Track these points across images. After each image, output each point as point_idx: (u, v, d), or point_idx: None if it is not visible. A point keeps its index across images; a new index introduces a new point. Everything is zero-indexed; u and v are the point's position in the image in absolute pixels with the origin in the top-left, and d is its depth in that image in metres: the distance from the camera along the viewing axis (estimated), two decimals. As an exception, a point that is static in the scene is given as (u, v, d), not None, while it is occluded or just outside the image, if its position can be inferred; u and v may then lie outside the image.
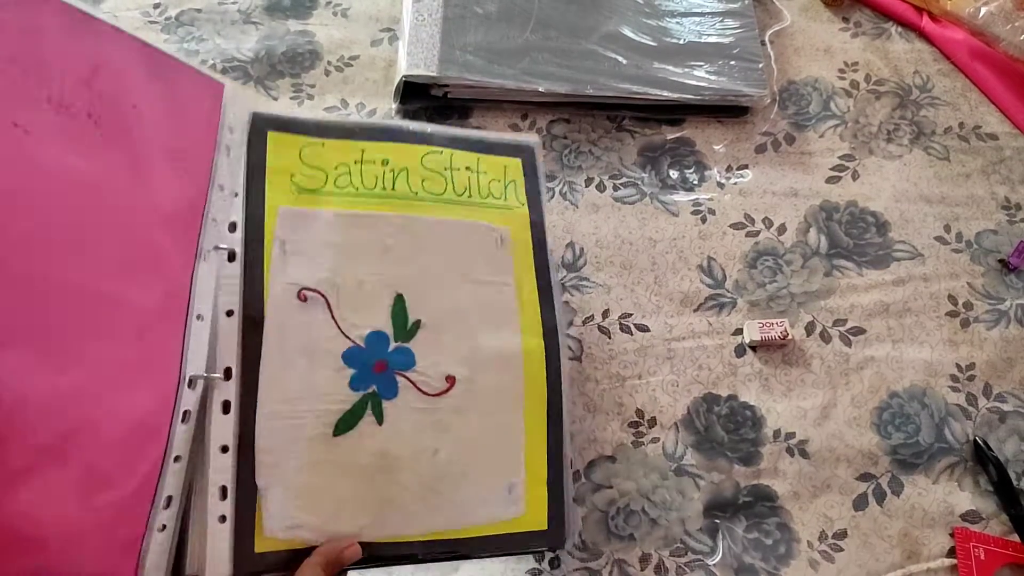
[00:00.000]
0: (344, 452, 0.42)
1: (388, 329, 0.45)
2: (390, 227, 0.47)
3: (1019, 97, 0.70)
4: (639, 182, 0.65)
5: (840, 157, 0.67)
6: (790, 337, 0.56)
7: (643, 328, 0.58)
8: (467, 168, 0.51)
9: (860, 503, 0.52)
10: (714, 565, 0.49)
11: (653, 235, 0.62)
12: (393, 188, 0.48)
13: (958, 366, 0.57)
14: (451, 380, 0.45)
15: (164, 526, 0.38)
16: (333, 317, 0.44)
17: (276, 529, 0.40)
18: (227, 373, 0.41)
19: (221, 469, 0.40)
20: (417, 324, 0.45)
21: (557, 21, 0.70)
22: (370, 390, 0.43)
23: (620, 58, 0.68)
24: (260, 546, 0.40)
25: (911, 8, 0.76)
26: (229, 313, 0.42)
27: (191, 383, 0.39)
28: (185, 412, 0.39)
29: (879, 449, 0.53)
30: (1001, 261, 0.61)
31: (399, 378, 0.44)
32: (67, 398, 0.34)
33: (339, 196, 0.47)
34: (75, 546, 0.34)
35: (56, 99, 0.35)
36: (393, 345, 0.45)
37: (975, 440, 0.53)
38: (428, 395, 0.44)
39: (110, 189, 0.37)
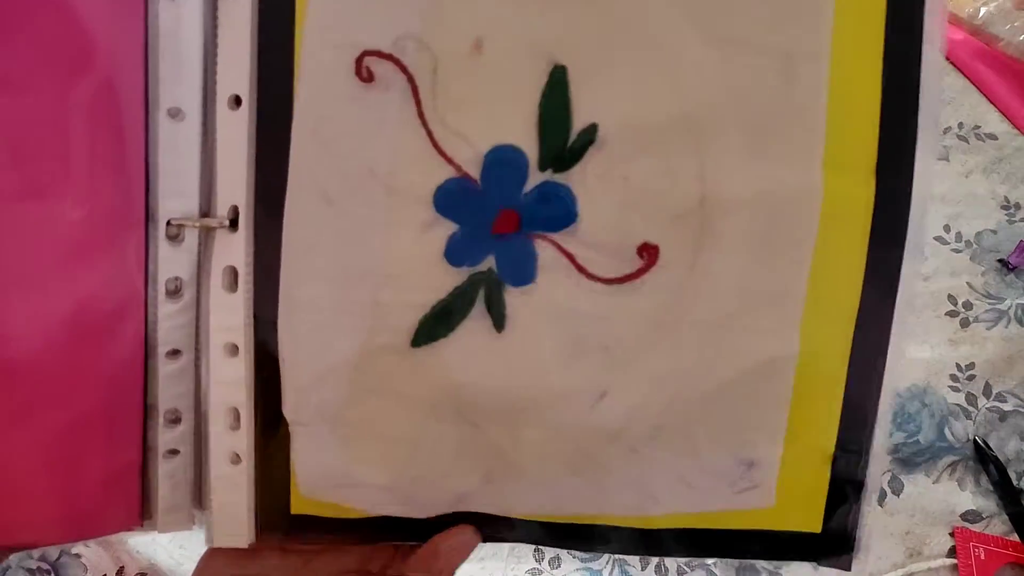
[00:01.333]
0: (431, 376, 0.26)
1: (530, 143, 0.24)
2: None
3: (1019, 97, 0.70)
4: (639, 181, 0.65)
5: (840, 156, 0.67)
6: (791, 336, 0.56)
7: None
8: None
9: (861, 503, 0.52)
10: (715, 565, 0.49)
11: (653, 234, 0.62)
12: None
13: (958, 365, 0.57)
14: (650, 253, 0.24)
15: (174, 450, 0.27)
16: (421, 115, 0.24)
17: (319, 487, 0.27)
18: (233, 220, 0.25)
19: (228, 383, 0.26)
20: (590, 134, 0.24)
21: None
22: (484, 267, 0.25)
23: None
24: (297, 506, 0.27)
25: (911, 8, 0.76)
26: (236, 103, 0.24)
27: (173, 234, 0.25)
28: (172, 280, 0.25)
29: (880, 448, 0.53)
30: (1001, 260, 0.61)
31: (542, 246, 0.25)
32: None
33: None
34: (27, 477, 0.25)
35: None
36: (535, 179, 0.24)
37: (975, 440, 0.53)
38: (598, 280, 0.25)
39: None
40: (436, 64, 0.24)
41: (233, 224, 0.25)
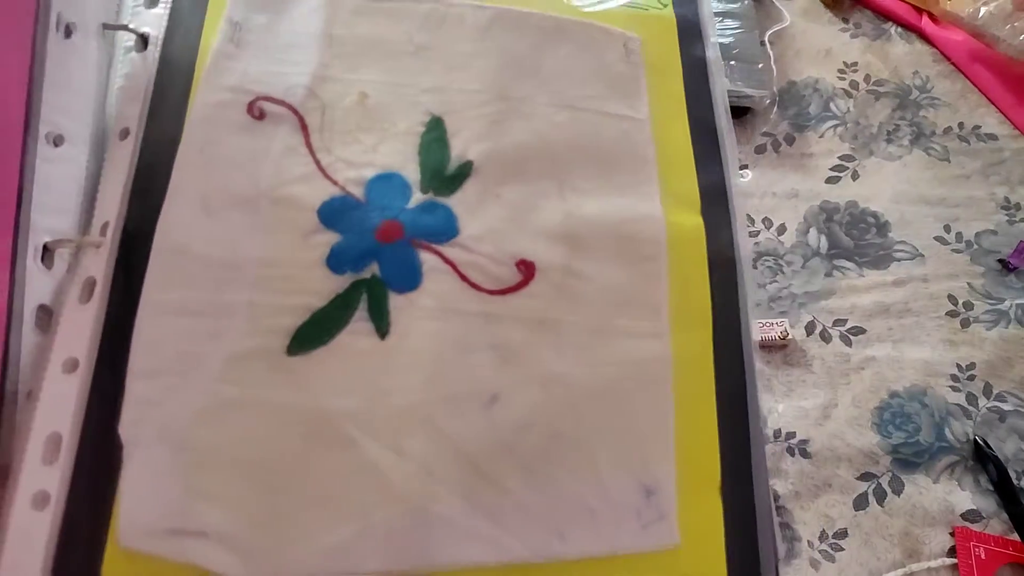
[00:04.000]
0: (304, 386, 0.23)
1: (410, 171, 0.26)
2: (424, 14, 0.28)
3: (1019, 98, 0.70)
4: (640, 183, 0.65)
5: (840, 158, 0.67)
6: (790, 337, 0.56)
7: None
8: None
9: (861, 502, 0.52)
10: None
11: (654, 235, 0.62)
12: None
13: (958, 366, 0.57)
14: (527, 267, 0.26)
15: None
16: (308, 145, 0.26)
17: (144, 532, 0.21)
18: (102, 231, 0.24)
19: (57, 403, 0.21)
20: (466, 167, 0.26)
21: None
22: (367, 273, 0.25)
23: (621, 59, 0.68)
24: (109, 567, 0.21)
25: (911, 9, 0.76)
26: (124, 134, 0.25)
27: (45, 257, 0.23)
28: (40, 309, 0.23)
29: (879, 449, 0.54)
30: (1001, 261, 0.62)
31: (425, 255, 0.25)
32: None
33: None
34: None
35: None
36: (418, 198, 0.26)
37: (975, 439, 0.54)
38: (481, 290, 0.25)
39: None
40: (324, 108, 0.27)
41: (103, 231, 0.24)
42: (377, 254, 0.25)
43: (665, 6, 0.33)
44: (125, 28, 0.27)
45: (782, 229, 0.63)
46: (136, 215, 0.25)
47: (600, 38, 0.30)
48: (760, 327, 0.57)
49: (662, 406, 0.26)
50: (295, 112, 0.27)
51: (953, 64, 0.74)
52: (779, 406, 0.55)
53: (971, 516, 0.51)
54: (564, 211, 0.27)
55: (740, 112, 0.70)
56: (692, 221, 0.29)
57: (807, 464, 0.53)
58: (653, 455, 0.25)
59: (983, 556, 0.49)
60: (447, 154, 0.27)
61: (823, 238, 0.63)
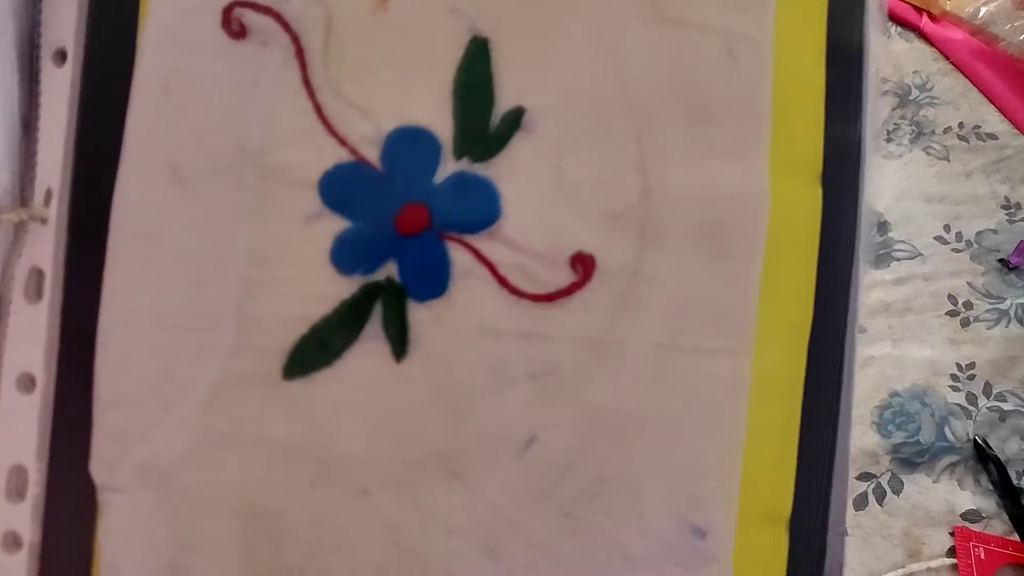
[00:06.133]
0: (305, 418, 0.20)
1: (443, 125, 0.20)
2: None
3: (1019, 97, 0.70)
4: (639, 181, 0.65)
5: (840, 156, 0.67)
6: (791, 336, 0.56)
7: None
8: None
9: (861, 502, 0.51)
10: (715, 564, 0.49)
11: (653, 234, 0.62)
12: None
13: (959, 365, 0.57)
14: (586, 265, 0.20)
15: None
16: (306, 81, 0.19)
17: None
18: (47, 200, 0.19)
19: (18, 431, 0.19)
20: (516, 117, 0.20)
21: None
22: (381, 275, 0.20)
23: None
24: None
25: (911, 8, 0.76)
26: (59, 57, 0.19)
27: None
28: None
29: (880, 448, 0.53)
30: (1002, 260, 0.61)
31: (457, 251, 0.20)
32: None
33: None
34: None
35: None
36: (449, 168, 0.20)
37: (976, 439, 0.53)
38: (524, 296, 0.20)
39: None
40: (330, 19, 0.19)
41: (47, 200, 0.18)
42: (397, 250, 0.19)
43: None
44: None
45: (782, 228, 0.63)
46: (87, 178, 0.19)
47: None
48: (760, 326, 0.56)
49: (729, 440, 0.20)
50: (287, 29, 0.19)
51: (953, 63, 0.73)
52: (779, 405, 0.55)
53: (971, 516, 0.51)
54: (643, 186, 0.20)
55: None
56: (808, 194, 0.21)
57: (807, 463, 0.53)
58: (709, 493, 0.20)
59: (983, 556, 0.49)
60: (492, 100, 0.19)
61: (823, 237, 0.62)
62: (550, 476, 0.20)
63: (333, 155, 0.19)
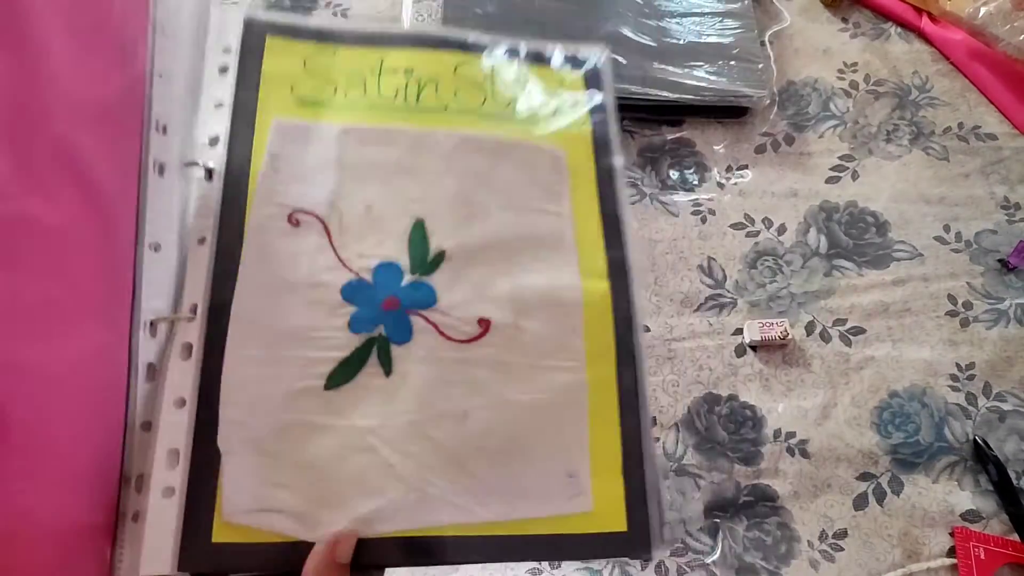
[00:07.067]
0: (339, 411, 0.34)
1: (403, 260, 0.37)
2: (409, 143, 0.39)
3: (1018, 97, 0.70)
4: (639, 183, 0.65)
5: (839, 157, 0.67)
6: (790, 337, 0.56)
7: (643, 328, 0.58)
8: (514, 80, 0.43)
9: (860, 503, 0.52)
10: (714, 565, 0.49)
11: (653, 235, 0.62)
12: (417, 101, 0.41)
13: (958, 365, 0.57)
14: (485, 324, 0.36)
15: (137, 514, 0.32)
16: (332, 244, 0.36)
17: (240, 510, 0.32)
18: (193, 312, 0.35)
19: (173, 428, 0.32)
20: (441, 255, 0.37)
21: (556, 22, 0.70)
22: (376, 332, 0.35)
23: (620, 58, 0.68)
24: (218, 534, 0.32)
25: (910, 8, 0.76)
26: (201, 241, 0.36)
27: (152, 328, 0.33)
28: (149, 366, 0.33)
29: (879, 449, 0.53)
30: (1000, 261, 0.61)
31: (415, 318, 0.36)
32: None
33: (349, 109, 0.40)
34: (15, 538, 0.28)
35: None
36: (408, 279, 0.37)
37: (975, 439, 0.54)
38: (454, 341, 0.36)
39: None
40: (341, 216, 0.38)
41: (192, 314, 0.35)
42: (383, 319, 0.36)
43: (584, 124, 0.43)
44: (196, 164, 0.37)
45: (782, 229, 0.63)
46: (216, 297, 0.35)
47: (535, 154, 0.41)
48: (760, 327, 0.57)
49: (581, 417, 0.36)
50: (321, 221, 0.37)
51: (952, 63, 0.73)
52: (778, 406, 0.55)
53: (971, 516, 0.51)
54: (512, 284, 0.38)
55: (739, 112, 0.70)
56: (602, 287, 0.39)
57: (806, 464, 0.53)
58: (574, 451, 0.35)
59: (983, 556, 0.49)
60: (428, 247, 0.38)
61: (823, 238, 0.63)
62: (479, 436, 0.35)
63: (347, 276, 0.36)
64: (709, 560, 0.49)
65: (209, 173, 0.37)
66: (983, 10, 0.73)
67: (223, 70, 0.40)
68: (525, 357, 0.36)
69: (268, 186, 0.37)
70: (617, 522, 0.34)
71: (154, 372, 0.34)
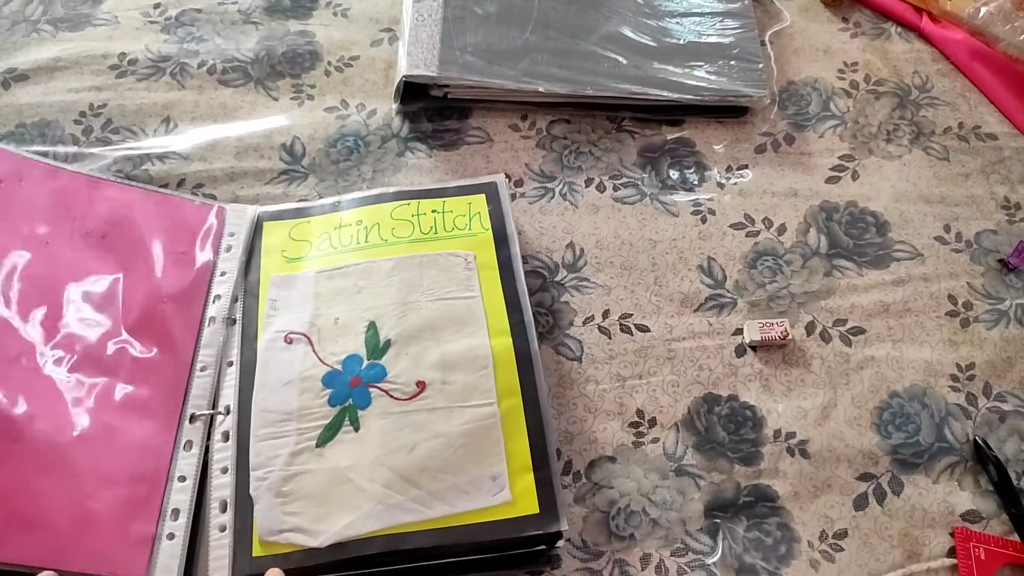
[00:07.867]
0: (326, 460, 0.49)
1: (362, 351, 0.52)
2: (361, 271, 0.56)
3: (1018, 97, 0.70)
4: (639, 182, 0.65)
5: (840, 157, 0.67)
6: (790, 337, 0.56)
7: (643, 328, 0.58)
8: (433, 211, 0.60)
9: (860, 503, 0.52)
10: (715, 565, 0.49)
11: (653, 235, 0.62)
12: (366, 240, 0.58)
13: (958, 366, 0.57)
14: (421, 384, 0.51)
15: (172, 535, 0.48)
16: (314, 351, 0.53)
17: (269, 534, 0.46)
18: (227, 410, 0.52)
19: (221, 487, 0.49)
20: (388, 343, 0.53)
21: (557, 21, 0.70)
22: (347, 404, 0.50)
23: (620, 58, 0.68)
24: (257, 550, 0.46)
25: (910, 8, 0.76)
26: (230, 364, 0.54)
27: (192, 418, 0.52)
28: (188, 441, 0.51)
29: (879, 449, 0.53)
30: (1001, 261, 0.61)
31: (372, 390, 0.51)
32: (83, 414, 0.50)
33: (320, 257, 0.58)
34: (87, 533, 0.46)
35: (79, 229, 0.57)
36: (366, 363, 0.52)
37: (975, 440, 0.53)
38: (399, 400, 0.50)
39: (119, 275, 0.56)
40: (319, 331, 0.54)
41: (227, 412, 0.53)
42: (351, 394, 0.51)
43: (486, 229, 0.58)
44: (229, 318, 0.57)
45: (782, 229, 0.63)
46: (243, 396, 0.52)
47: (452, 260, 0.57)
48: (760, 327, 0.57)
49: (497, 437, 0.49)
50: (306, 336, 0.54)
51: (953, 63, 0.73)
52: (779, 406, 0.55)
53: (971, 517, 0.51)
54: (439, 352, 0.52)
55: (739, 112, 0.70)
56: (505, 342, 0.53)
57: (807, 464, 0.53)
58: (495, 461, 0.49)
59: (983, 557, 0.49)
60: (378, 339, 0.53)
61: (823, 238, 0.63)
62: (424, 459, 0.48)
63: (324, 369, 0.52)
64: (709, 560, 0.49)
65: (233, 321, 0.56)
66: (983, 10, 0.73)
67: (227, 249, 0.59)
68: (452, 402, 0.50)
69: (270, 321, 0.54)
70: (531, 506, 0.47)
71: (192, 445, 0.51)
